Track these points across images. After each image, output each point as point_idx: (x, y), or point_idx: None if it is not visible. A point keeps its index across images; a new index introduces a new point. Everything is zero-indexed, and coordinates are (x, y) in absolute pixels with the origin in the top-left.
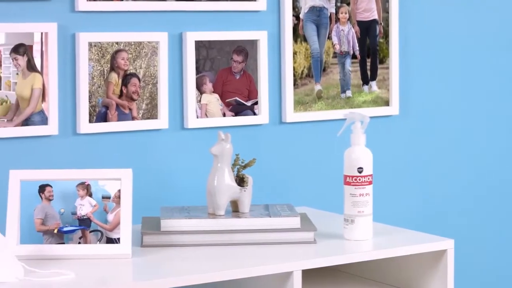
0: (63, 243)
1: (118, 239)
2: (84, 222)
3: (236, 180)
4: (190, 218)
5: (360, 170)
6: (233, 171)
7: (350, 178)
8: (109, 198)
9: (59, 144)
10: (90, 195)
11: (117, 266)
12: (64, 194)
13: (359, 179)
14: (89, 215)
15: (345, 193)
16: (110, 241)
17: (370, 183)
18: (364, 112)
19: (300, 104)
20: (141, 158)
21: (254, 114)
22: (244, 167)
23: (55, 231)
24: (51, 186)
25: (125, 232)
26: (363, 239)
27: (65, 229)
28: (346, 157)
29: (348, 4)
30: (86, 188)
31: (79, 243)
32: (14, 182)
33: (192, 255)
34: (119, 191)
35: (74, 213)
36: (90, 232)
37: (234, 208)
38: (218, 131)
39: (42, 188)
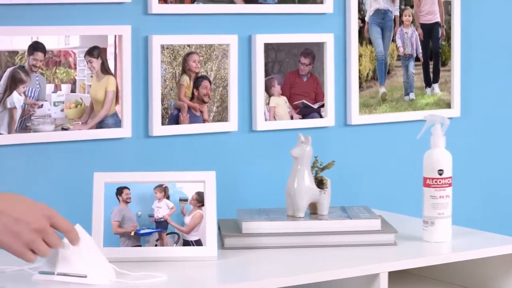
0: (140, 246)
1: (195, 241)
2: (161, 225)
3: (315, 182)
4: (271, 220)
5: (440, 172)
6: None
7: (430, 180)
8: (186, 200)
9: (132, 146)
10: (168, 198)
11: (203, 269)
12: (141, 196)
13: (440, 181)
14: (166, 217)
15: (424, 195)
16: (186, 243)
17: (450, 185)
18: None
19: (365, 106)
20: (211, 160)
21: (321, 116)
22: (323, 169)
23: (132, 233)
24: (128, 189)
25: (210, 234)
26: (442, 241)
27: (142, 231)
28: (426, 159)
29: (412, 6)
30: (163, 190)
31: (156, 245)
32: (98, 185)
33: (274, 258)
34: (197, 193)
35: (151, 216)
36: (167, 234)
37: (313, 210)
38: (298, 133)
39: (119, 191)
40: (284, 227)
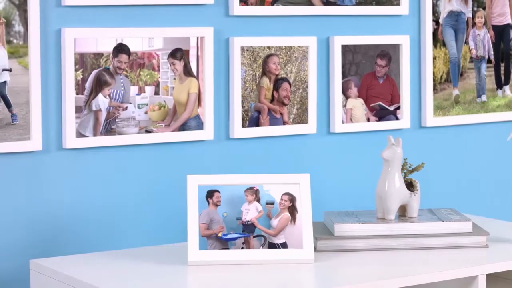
0: (227, 248)
1: (281, 244)
2: (248, 228)
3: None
4: (363, 223)
5: None
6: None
7: None
8: (272, 204)
9: (214, 148)
10: (258, 201)
11: (299, 271)
12: (230, 198)
13: None
14: (254, 220)
15: None
16: (272, 246)
17: None
18: (497, 116)
19: (439, 108)
20: (291, 162)
21: (397, 118)
22: (412, 171)
23: (219, 234)
24: (219, 192)
25: (307, 237)
26: None
27: (229, 236)
28: None
29: (484, 8)
30: (255, 193)
31: (242, 248)
32: (192, 187)
33: (368, 260)
34: (286, 195)
35: (238, 218)
36: (254, 237)
37: (401, 213)
38: (388, 135)
39: (210, 194)
40: (376, 229)
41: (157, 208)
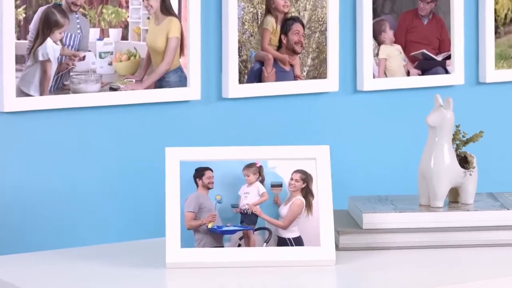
0: (221, 246)
1: (294, 239)
2: (247, 218)
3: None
4: (400, 212)
5: None
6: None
7: None
8: (280, 185)
9: (202, 112)
10: (262, 181)
11: (315, 278)
12: (224, 179)
13: None
14: (255, 208)
15: None
16: (281, 242)
17: None
18: None
19: (503, 59)
20: (304, 131)
21: (446, 72)
22: (466, 142)
23: (209, 225)
24: (211, 170)
25: (326, 231)
26: None
27: (224, 228)
28: None
29: None
30: (257, 171)
31: (239, 245)
32: (172, 164)
33: (407, 262)
34: (297, 173)
35: (235, 205)
36: (255, 230)
37: (453, 198)
38: (436, 94)
39: (200, 173)
40: (418, 220)
41: (127, 192)
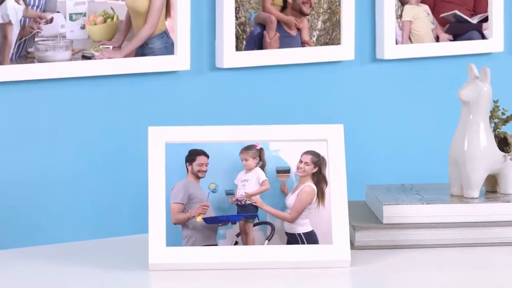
0: (214, 245)
1: (306, 235)
2: (245, 210)
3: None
4: (428, 203)
5: None
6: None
7: None
8: (287, 171)
9: (192, 84)
10: (263, 166)
11: (326, 282)
12: (218, 164)
13: None
14: (255, 198)
15: None
16: (291, 239)
17: None
18: None
19: None
20: (314, 106)
21: (483, 37)
22: (506, 121)
23: (198, 218)
24: (206, 155)
25: (340, 226)
26: None
27: (219, 216)
28: None
29: None
30: (258, 154)
31: (236, 243)
32: (156, 147)
33: (437, 263)
34: (308, 155)
35: (230, 193)
36: (255, 225)
37: (491, 187)
38: (469, 64)
39: (191, 156)
40: (449, 213)
41: (103, 180)
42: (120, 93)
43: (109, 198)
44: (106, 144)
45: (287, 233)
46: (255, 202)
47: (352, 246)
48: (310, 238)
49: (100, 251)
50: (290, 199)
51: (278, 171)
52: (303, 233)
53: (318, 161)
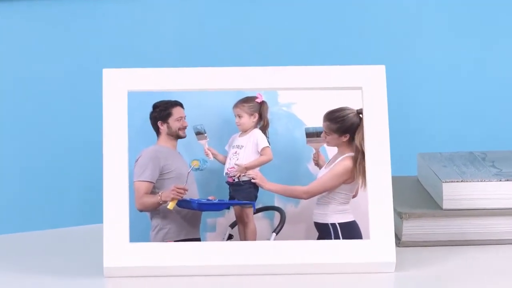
0: (196, 240)
1: (341, 227)
2: (241, 190)
3: None
4: (508, 180)
5: None
6: None
7: None
8: (318, 135)
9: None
10: (265, 127)
11: None
12: (203, 123)
13: None
14: (244, 170)
15: None
16: (323, 231)
17: None
18: None
19: None
20: (341, 38)
21: None
22: None
23: (170, 205)
24: (182, 107)
25: (380, 213)
26: None
27: (203, 202)
28: None
29: None
30: (258, 109)
31: (230, 237)
32: (114, 97)
33: None
34: (337, 112)
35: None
36: (257, 211)
37: None
38: None
39: (163, 112)
40: None
41: (41, 150)
42: (61, 13)
43: (50, 175)
44: (42, 93)
45: (316, 224)
46: (253, 179)
47: (398, 242)
48: (349, 231)
49: (40, 249)
50: (321, 173)
51: (309, 134)
52: (339, 224)
53: (352, 125)
